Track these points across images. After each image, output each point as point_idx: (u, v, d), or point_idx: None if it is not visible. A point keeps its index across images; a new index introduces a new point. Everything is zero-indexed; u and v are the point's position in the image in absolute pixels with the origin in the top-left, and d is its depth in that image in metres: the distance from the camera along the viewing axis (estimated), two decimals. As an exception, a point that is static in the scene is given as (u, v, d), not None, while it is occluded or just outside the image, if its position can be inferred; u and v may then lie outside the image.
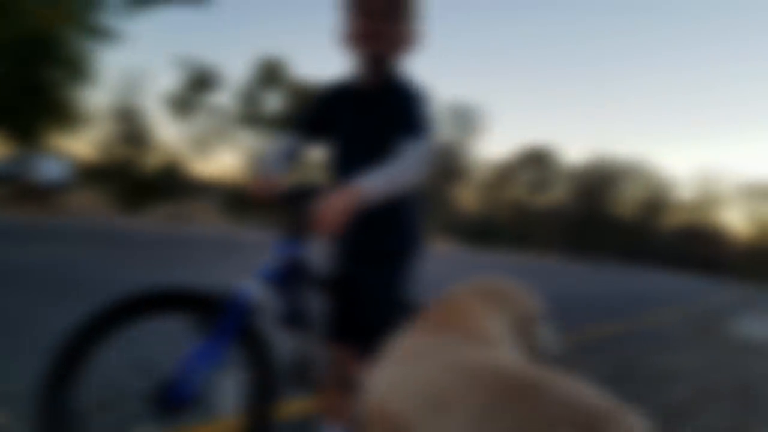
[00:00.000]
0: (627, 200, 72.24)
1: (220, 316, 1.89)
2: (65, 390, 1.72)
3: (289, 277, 2.03)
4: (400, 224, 2.08)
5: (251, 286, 1.94)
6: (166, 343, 3.23)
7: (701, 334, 8.64)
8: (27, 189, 17.04)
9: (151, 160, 33.14)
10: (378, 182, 1.76)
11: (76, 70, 19.03)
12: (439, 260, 21.34)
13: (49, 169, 28.61)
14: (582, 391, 0.90)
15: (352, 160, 2.03)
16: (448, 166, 58.34)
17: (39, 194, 17.55)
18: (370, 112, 2.03)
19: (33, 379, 2.86)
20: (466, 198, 71.29)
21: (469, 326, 1.30)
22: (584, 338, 6.69)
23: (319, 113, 2.20)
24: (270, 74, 38.92)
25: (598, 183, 70.94)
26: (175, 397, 1.83)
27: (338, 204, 1.70)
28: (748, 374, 5.66)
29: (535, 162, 71.88)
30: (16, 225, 11.49)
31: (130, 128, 40.20)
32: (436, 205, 54.36)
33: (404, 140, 1.84)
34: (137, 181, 29.46)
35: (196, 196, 35.20)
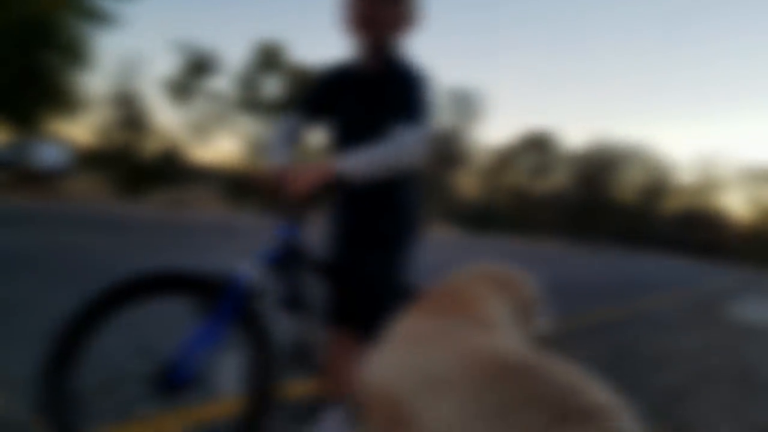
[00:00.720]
0: (627, 185, 72.20)
1: (219, 298, 1.89)
2: (66, 372, 1.72)
3: (288, 261, 2.03)
4: (398, 208, 2.08)
5: (250, 268, 1.94)
6: (165, 325, 3.23)
7: (701, 317, 8.67)
8: (26, 175, 17.03)
9: (150, 146, 33.06)
10: (360, 161, 1.77)
11: (74, 54, 18.94)
12: (438, 246, 21.35)
13: (48, 155, 28.53)
14: (577, 378, 0.91)
15: (351, 143, 2.03)
16: (448, 152, 58.22)
17: (38, 180, 17.53)
18: (370, 96, 2.03)
19: (34, 364, 2.87)
20: (467, 184, 71.24)
21: (471, 311, 1.30)
22: (585, 322, 6.72)
23: (320, 95, 2.19)
24: (268, 58, 38.66)
25: (599, 167, 70.85)
26: (175, 378, 1.83)
27: (308, 173, 1.76)
28: (747, 357, 5.69)
29: (536, 147, 71.68)
30: (15, 211, 11.49)
31: (129, 113, 40.02)
32: (436, 191, 54.35)
33: (400, 123, 1.84)
34: (136, 166, 29.41)
35: (195, 182, 35.16)
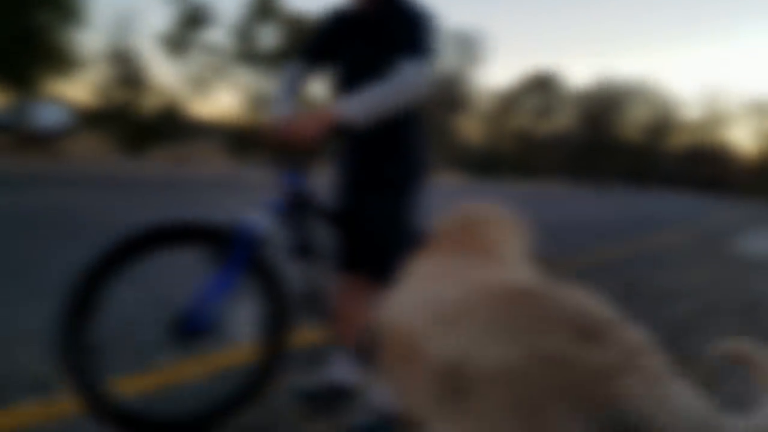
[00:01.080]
0: (632, 123, 71.35)
1: (229, 247, 1.90)
2: (83, 324, 1.75)
3: (296, 209, 2.03)
4: (403, 152, 2.06)
5: (258, 218, 1.95)
6: (179, 276, 3.27)
7: (707, 253, 8.71)
8: (27, 137, 16.93)
9: (149, 103, 32.71)
10: (363, 101, 1.75)
11: (68, 11, 18.55)
12: (443, 192, 21.33)
13: (47, 116, 28.29)
14: (587, 301, 0.91)
15: (355, 86, 1.99)
16: (451, 96, 57.38)
17: (39, 142, 17.45)
18: (372, 37, 1.99)
19: (51, 317, 2.93)
20: (471, 129, 70.51)
21: (487, 248, 1.30)
22: (592, 260, 6.76)
23: (322, 41, 2.16)
24: (263, 8, 37.73)
25: (603, 106, 69.88)
26: (191, 327, 1.87)
27: (312, 120, 1.74)
28: (753, 290, 5.74)
29: (539, 88, 70.56)
30: (19, 173, 11.50)
31: (126, 70, 39.43)
32: (441, 137, 53.90)
33: (401, 60, 1.80)
34: (137, 124, 29.20)
35: (197, 138, 34.93)
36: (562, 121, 71.60)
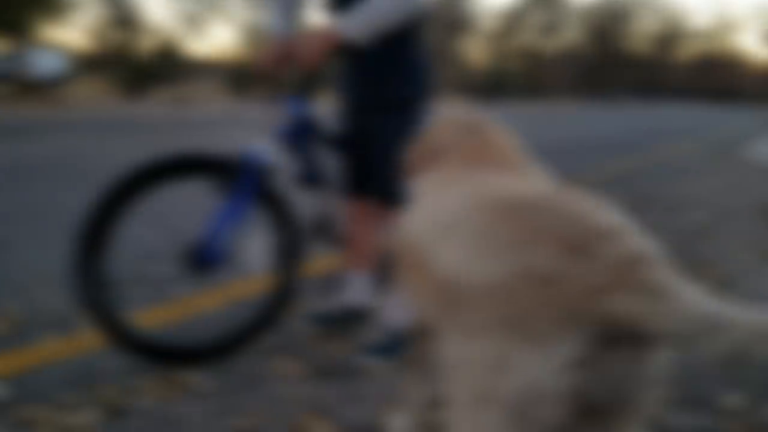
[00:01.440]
0: (640, 35, 69.14)
1: (236, 177, 1.87)
2: (97, 260, 1.76)
3: (301, 136, 1.99)
4: (409, 72, 1.99)
5: (265, 146, 1.91)
6: (189, 208, 3.27)
7: (720, 161, 8.59)
8: (25, 85, 16.70)
9: (146, 44, 32.04)
10: (364, 17, 1.68)
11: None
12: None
13: (44, 62, 27.81)
14: (589, 211, 0.87)
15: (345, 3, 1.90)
16: (453, 17, 55.59)
17: (38, 89, 17.23)
18: None
19: (63, 260, 2.95)
20: (475, 52, 68.75)
21: (498, 155, 1.27)
22: (605, 174, 6.70)
23: None
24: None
25: (610, 19, 67.55)
26: (205, 258, 1.87)
27: (314, 39, 1.68)
28: (764, 194, 5.68)
29: (544, 2, 68.13)
30: (19, 121, 11.42)
31: (120, 12, 38.40)
32: (444, 61, 52.64)
33: None
34: (135, 66, 28.68)
35: (195, 77, 34.40)
36: (569, 36, 69.48)
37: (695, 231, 4.06)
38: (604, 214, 0.87)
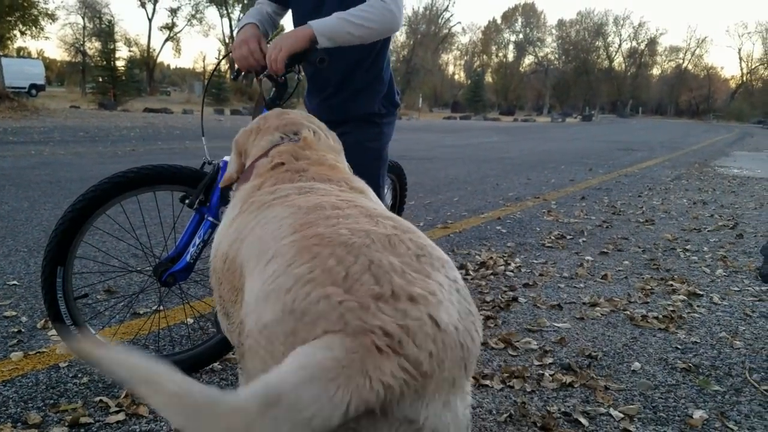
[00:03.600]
0: (614, 51, 70.53)
1: (207, 188, 1.86)
2: (64, 274, 1.73)
3: None
4: (374, 86, 1.99)
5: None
6: (158, 220, 3.23)
7: (693, 174, 8.76)
8: (0, 94, 16.40)
9: (123, 54, 31.75)
10: (335, 21, 1.66)
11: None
12: (428, 129, 21.15)
13: (21, 71, 27.46)
14: (409, 260, 0.79)
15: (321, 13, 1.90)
16: (431, 33, 56.19)
17: (14, 98, 16.94)
18: None
19: (34, 272, 2.90)
20: (454, 66, 69.57)
21: (333, 176, 1.22)
22: (577, 187, 6.79)
23: None
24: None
25: (585, 34, 68.84)
26: (176, 272, 1.84)
27: (284, 41, 1.64)
28: (737, 209, 5.80)
29: (522, 17, 69.30)
30: (-7, 131, 11.20)
31: (98, 22, 38.00)
32: (424, 76, 53.11)
33: None
34: (112, 75, 28.39)
35: (173, 86, 34.14)
36: (545, 52, 70.67)
37: (666, 244, 4.13)
38: (425, 269, 0.80)
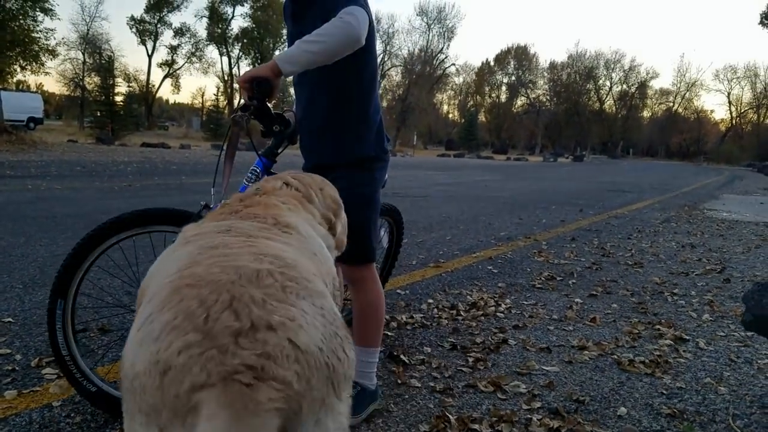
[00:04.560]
0: (606, 93, 71.76)
1: None
2: (66, 314, 1.80)
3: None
4: (363, 130, 2.05)
5: (224, 199, 1.96)
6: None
7: (682, 217, 8.87)
8: (-2, 128, 16.52)
9: (123, 89, 32.10)
10: (295, 46, 1.74)
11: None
12: (420, 166, 21.32)
13: (19, 105, 27.66)
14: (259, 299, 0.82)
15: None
16: (426, 73, 57.12)
17: (12, 132, 17.04)
18: (306, 13, 1.97)
19: (30, 309, 2.92)
20: (448, 105, 70.52)
21: (262, 213, 1.27)
22: (567, 228, 6.87)
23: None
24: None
25: (577, 78, 70.11)
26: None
27: (252, 71, 1.74)
28: (724, 252, 5.89)
29: (515, 60, 70.59)
30: (-10, 165, 11.26)
31: (98, 58, 38.47)
32: (419, 115, 53.78)
33: (341, 10, 1.78)
34: (111, 111, 28.67)
35: (172, 121, 34.42)
36: (537, 93, 71.83)
37: (655, 287, 4.19)
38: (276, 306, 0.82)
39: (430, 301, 3.55)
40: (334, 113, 2.00)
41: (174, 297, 0.83)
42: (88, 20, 43.48)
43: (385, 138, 2.13)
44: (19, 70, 20.15)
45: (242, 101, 1.83)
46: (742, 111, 70.60)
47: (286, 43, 2.18)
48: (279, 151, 2.06)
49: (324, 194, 1.58)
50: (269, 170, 2.02)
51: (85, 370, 1.85)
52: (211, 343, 0.75)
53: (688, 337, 3.10)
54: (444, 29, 57.90)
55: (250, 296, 0.81)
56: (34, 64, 19.38)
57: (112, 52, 44.18)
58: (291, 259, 0.98)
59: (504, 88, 72.48)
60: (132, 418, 0.78)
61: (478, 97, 73.86)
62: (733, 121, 71.47)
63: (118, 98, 30.32)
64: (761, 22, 36.48)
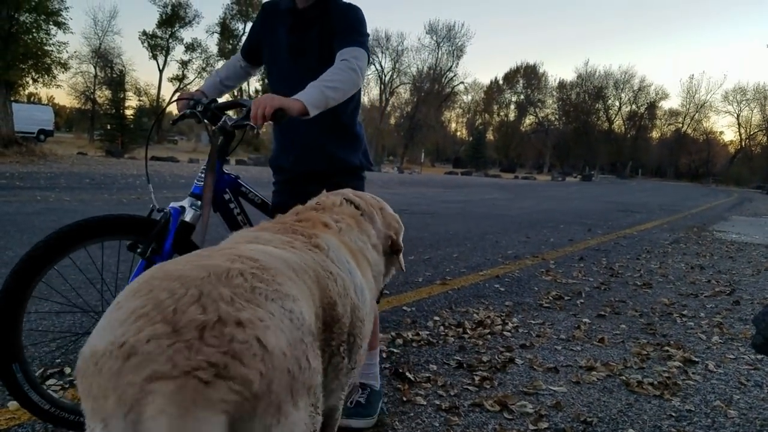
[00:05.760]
0: (615, 113, 71.80)
1: (157, 236, 1.90)
2: (14, 326, 1.71)
3: (221, 196, 2.10)
4: (346, 141, 2.16)
5: (185, 205, 1.98)
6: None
7: (691, 238, 8.81)
8: (9, 139, 16.70)
9: (133, 103, 32.42)
10: (318, 92, 1.77)
11: (47, 12, 18.37)
12: (426, 184, 21.35)
13: (30, 117, 27.99)
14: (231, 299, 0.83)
15: (274, 70, 2.16)
16: (435, 91, 57.41)
17: (22, 143, 17.23)
18: (297, 25, 2.06)
19: (38, 320, 2.92)
20: (456, 123, 70.79)
21: (300, 229, 1.29)
22: (576, 248, 6.84)
23: (252, 42, 2.26)
24: (246, 3, 37.58)
25: (586, 97, 70.24)
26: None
27: (279, 99, 1.72)
28: (734, 274, 5.83)
29: (524, 79, 70.85)
30: (3, 175, 11.36)
31: (109, 72, 38.97)
32: (427, 132, 54.00)
33: (347, 46, 1.92)
34: (121, 124, 28.94)
35: (181, 135, 34.68)
36: (546, 112, 71.99)
37: (663, 309, 4.15)
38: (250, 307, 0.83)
39: (437, 318, 3.53)
40: (330, 132, 2.11)
41: (143, 287, 0.84)
42: (100, 34, 44.14)
43: (367, 151, 2.27)
44: (31, 82, 20.38)
45: (243, 119, 1.87)
46: (752, 133, 70.46)
47: (245, 41, 2.34)
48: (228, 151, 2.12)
49: (384, 214, 1.60)
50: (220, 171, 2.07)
51: (44, 393, 1.75)
52: (178, 336, 0.75)
53: (697, 359, 3.06)
54: (453, 47, 58.33)
55: (218, 293, 0.82)
56: (46, 76, 19.59)
57: (124, 66, 44.75)
58: (266, 262, 0.99)
59: (513, 106, 72.73)
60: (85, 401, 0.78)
61: (486, 115, 74.06)
62: (743, 143, 71.28)
63: (129, 112, 30.62)
64: None
